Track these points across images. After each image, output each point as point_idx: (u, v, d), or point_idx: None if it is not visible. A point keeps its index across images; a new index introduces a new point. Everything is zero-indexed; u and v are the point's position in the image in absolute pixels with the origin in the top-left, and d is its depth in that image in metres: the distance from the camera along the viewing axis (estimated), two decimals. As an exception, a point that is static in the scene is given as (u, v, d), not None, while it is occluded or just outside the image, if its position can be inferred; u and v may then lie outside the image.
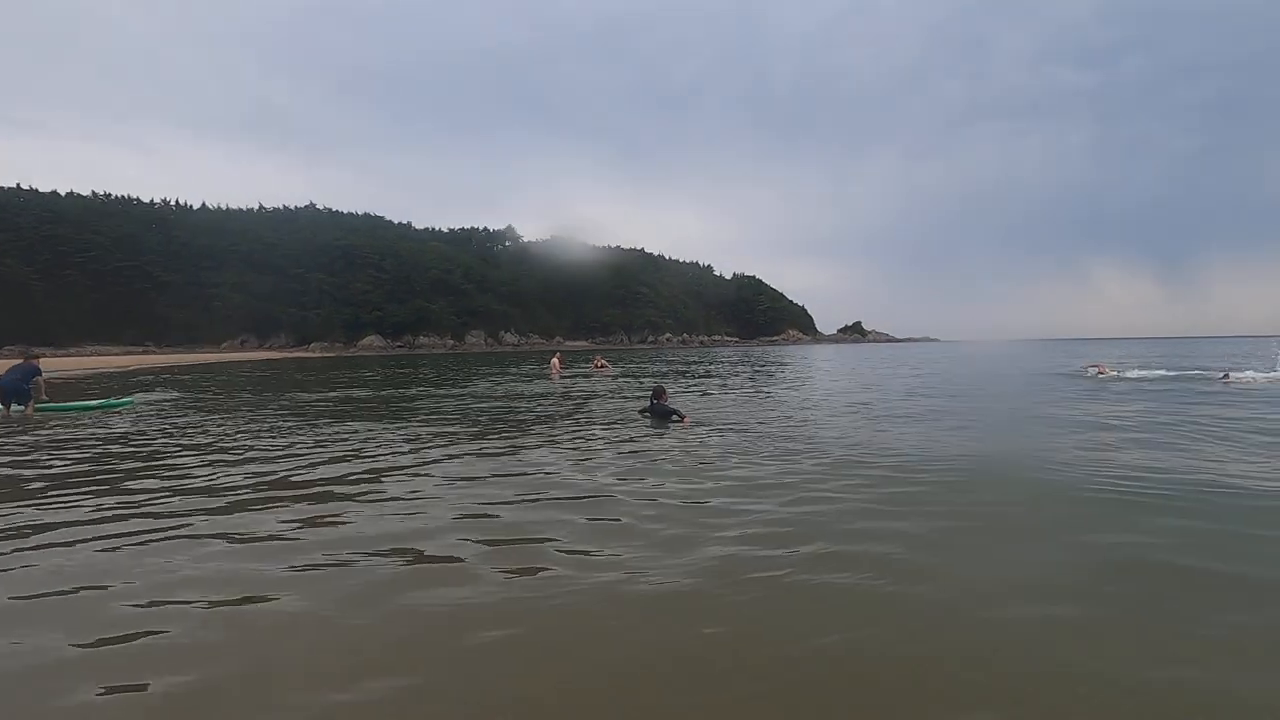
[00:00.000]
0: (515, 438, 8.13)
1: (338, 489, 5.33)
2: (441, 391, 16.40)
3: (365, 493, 5.15)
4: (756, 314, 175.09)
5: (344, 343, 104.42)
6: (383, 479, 5.63)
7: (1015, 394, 14.44)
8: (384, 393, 16.52)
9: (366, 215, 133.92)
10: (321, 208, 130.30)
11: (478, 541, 3.83)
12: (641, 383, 18.11)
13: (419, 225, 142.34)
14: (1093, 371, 19.35)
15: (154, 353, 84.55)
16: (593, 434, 8.38)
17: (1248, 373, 16.29)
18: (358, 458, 6.74)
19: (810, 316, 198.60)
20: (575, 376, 21.88)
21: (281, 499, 4.95)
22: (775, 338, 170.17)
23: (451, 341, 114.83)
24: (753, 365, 30.20)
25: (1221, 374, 16.77)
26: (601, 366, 25.59)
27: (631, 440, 7.75)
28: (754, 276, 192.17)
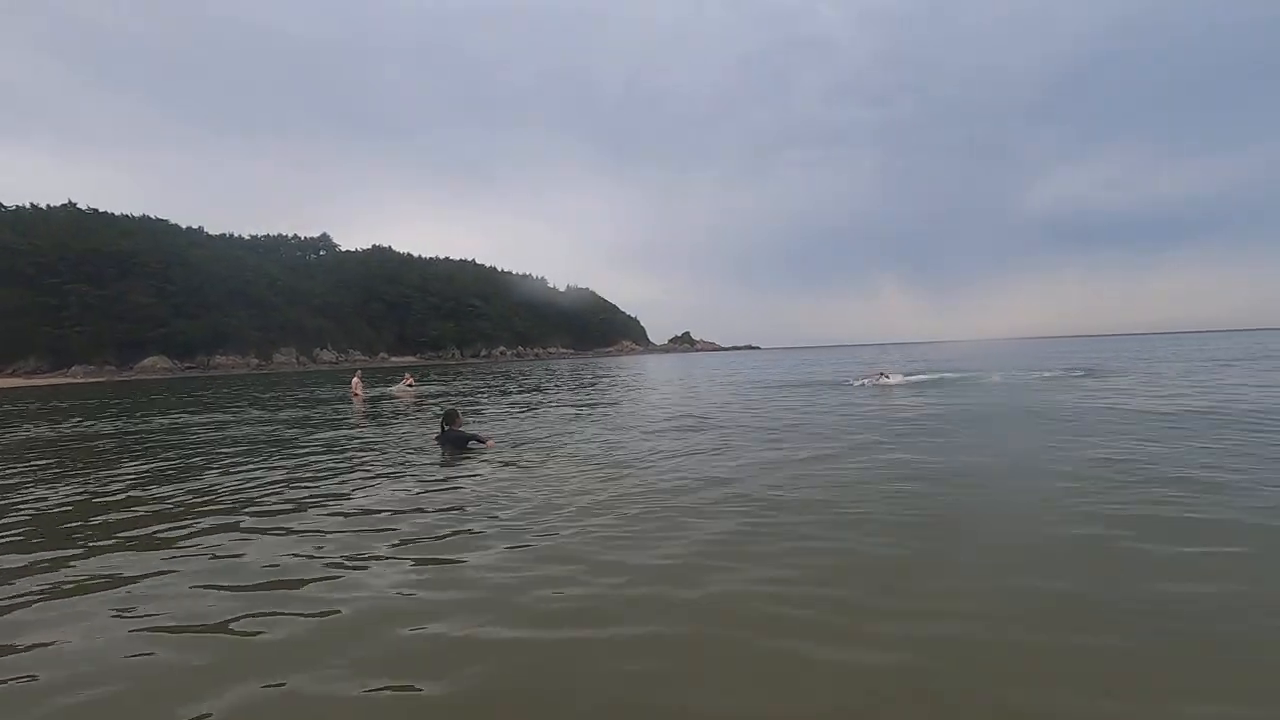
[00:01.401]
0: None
1: None
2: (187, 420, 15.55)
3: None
4: (591, 326, 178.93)
5: (117, 365, 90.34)
6: None
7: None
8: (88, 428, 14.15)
9: (145, 218, 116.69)
10: (85, 208, 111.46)
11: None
12: (451, 402, 18.52)
13: (214, 231, 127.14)
14: (866, 381, 19.36)
15: None
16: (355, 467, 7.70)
17: (895, 376, 19.67)
18: None
19: (643, 328, 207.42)
20: (384, 398, 21.41)
21: None
22: (610, 349, 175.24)
23: (257, 361, 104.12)
24: (579, 379, 31.56)
25: (867, 378, 19.81)
26: (410, 385, 25.30)
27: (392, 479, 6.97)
28: (588, 289, 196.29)
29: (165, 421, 15.42)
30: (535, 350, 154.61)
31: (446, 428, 9.09)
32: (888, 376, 19.41)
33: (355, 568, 4.17)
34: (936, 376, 21.13)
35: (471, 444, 8.84)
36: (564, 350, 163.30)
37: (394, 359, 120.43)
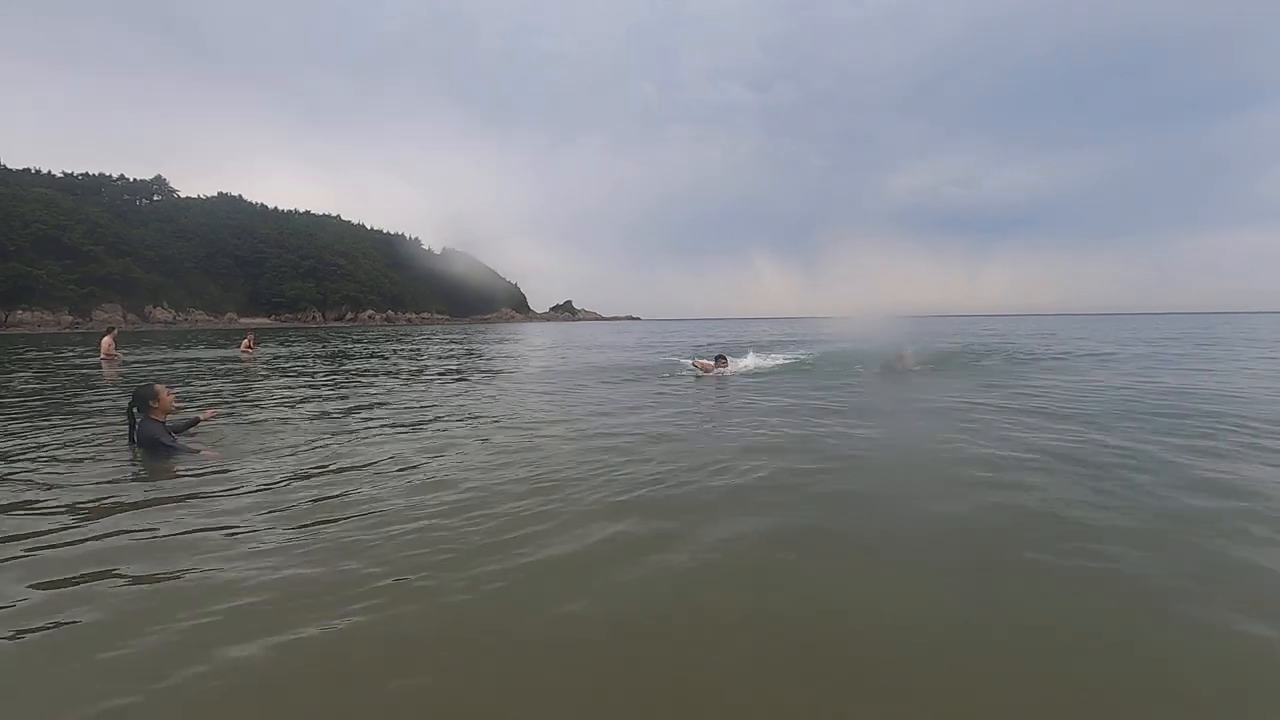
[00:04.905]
0: None
1: None
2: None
3: None
4: (469, 292, 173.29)
5: (-120, 318, 76.13)
6: None
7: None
8: None
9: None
10: None
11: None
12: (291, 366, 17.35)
13: (14, 165, 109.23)
14: (694, 367, 13.14)
15: None
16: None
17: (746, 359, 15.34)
18: None
19: (524, 295, 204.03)
20: (196, 360, 19.27)
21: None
22: (488, 316, 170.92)
23: (71, 318, 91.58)
24: (430, 349, 30.48)
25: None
26: (249, 349, 23.51)
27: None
28: (465, 253, 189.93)
29: None
30: (408, 315, 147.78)
31: (139, 417, 5.66)
32: (725, 364, 13.15)
33: None
34: (793, 359, 16.98)
35: (178, 441, 5.66)
36: (439, 316, 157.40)
37: (244, 320, 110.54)
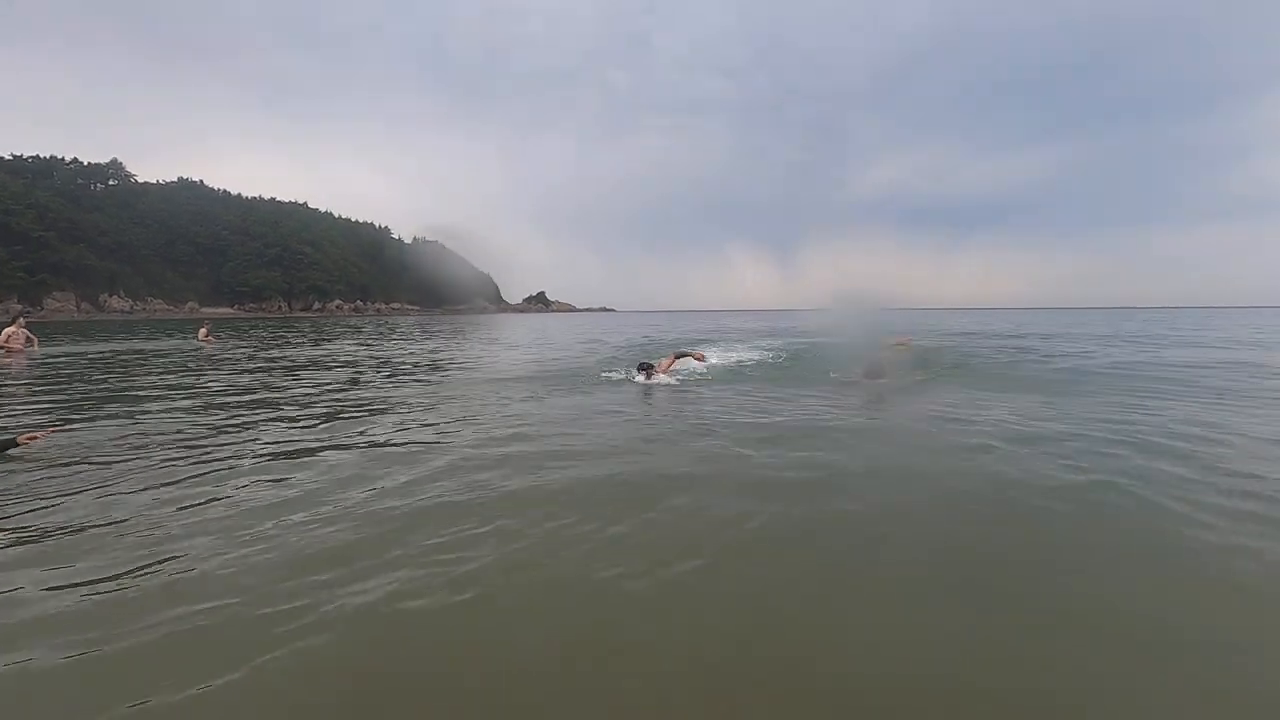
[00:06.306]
0: None
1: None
2: None
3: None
4: (441, 282, 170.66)
5: None
6: None
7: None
8: None
9: None
10: None
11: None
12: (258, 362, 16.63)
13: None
14: (641, 378, 10.16)
15: None
16: None
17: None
18: None
19: (496, 285, 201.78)
20: (87, 354, 17.93)
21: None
22: (461, 306, 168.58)
23: (20, 306, 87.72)
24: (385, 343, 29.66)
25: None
26: (208, 339, 22.80)
27: None
28: (437, 242, 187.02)
29: None
30: (377, 305, 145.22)
31: None
32: (676, 367, 10.99)
33: None
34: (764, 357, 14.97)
35: None
36: (410, 306, 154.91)
37: (206, 309, 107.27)
